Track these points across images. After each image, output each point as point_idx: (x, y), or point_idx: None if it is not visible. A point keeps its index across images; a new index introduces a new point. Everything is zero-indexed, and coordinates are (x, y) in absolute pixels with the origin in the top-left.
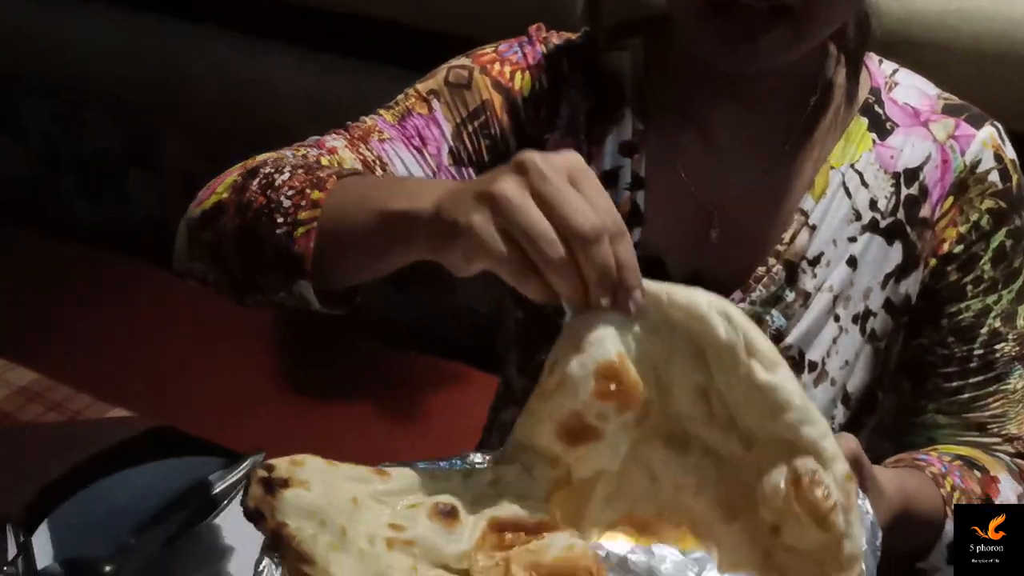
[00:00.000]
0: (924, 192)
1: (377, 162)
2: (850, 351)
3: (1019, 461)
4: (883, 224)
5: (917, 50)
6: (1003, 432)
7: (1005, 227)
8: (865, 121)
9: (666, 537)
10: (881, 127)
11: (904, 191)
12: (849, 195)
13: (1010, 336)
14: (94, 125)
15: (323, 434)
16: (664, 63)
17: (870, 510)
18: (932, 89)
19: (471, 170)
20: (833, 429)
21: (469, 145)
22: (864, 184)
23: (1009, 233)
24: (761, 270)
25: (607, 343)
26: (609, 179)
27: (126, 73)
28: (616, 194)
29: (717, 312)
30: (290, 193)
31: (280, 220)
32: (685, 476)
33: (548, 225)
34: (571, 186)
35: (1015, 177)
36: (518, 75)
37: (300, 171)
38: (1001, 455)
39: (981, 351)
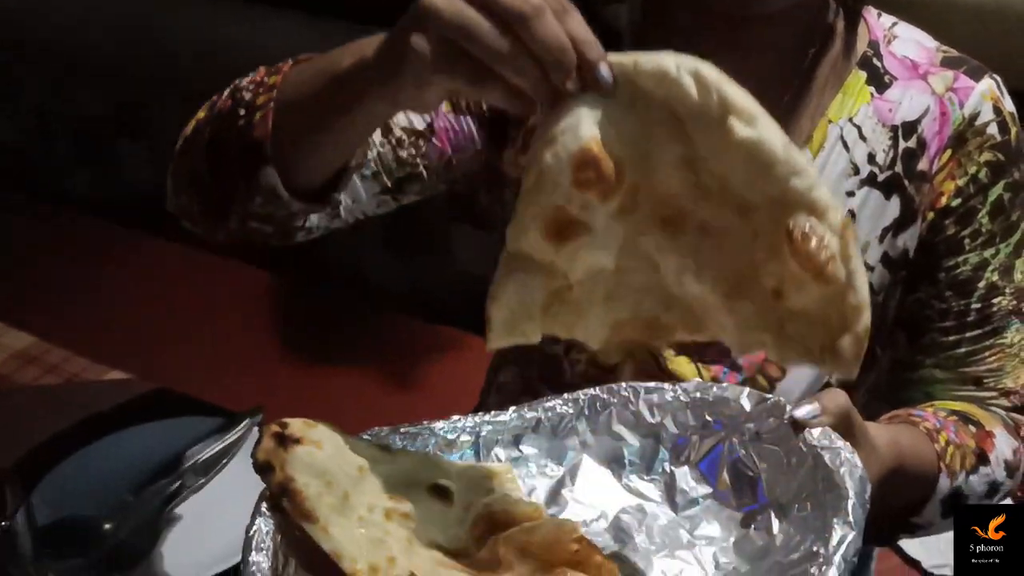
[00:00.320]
0: (922, 145)
1: None
2: None
3: (1015, 415)
4: (881, 178)
5: (916, 6)
6: (999, 386)
7: (1003, 180)
8: (863, 74)
9: (675, 330)
10: (879, 80)
11: (902, 144)
12: (847, 149)
13: (1007, 290)
14: (86, 93)
15: (321, 398)
16: (662, 15)
17: (859, 464)
18: (931, 42)
19: (469, 120)
20: (830, 384)
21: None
22: (862, 138)
23: (1007, 186)
24: None
25: (580, 129)
26: None
27: (119, 40)
28: None
29: (687, 73)
30: (251, 87)
31: (242, 113)
32: (684, 259)
33: (482, 17)
34: None
35: (1014, 130)
36: None
37: (263, 68)
38: (997, 410)
39: (978, 305)
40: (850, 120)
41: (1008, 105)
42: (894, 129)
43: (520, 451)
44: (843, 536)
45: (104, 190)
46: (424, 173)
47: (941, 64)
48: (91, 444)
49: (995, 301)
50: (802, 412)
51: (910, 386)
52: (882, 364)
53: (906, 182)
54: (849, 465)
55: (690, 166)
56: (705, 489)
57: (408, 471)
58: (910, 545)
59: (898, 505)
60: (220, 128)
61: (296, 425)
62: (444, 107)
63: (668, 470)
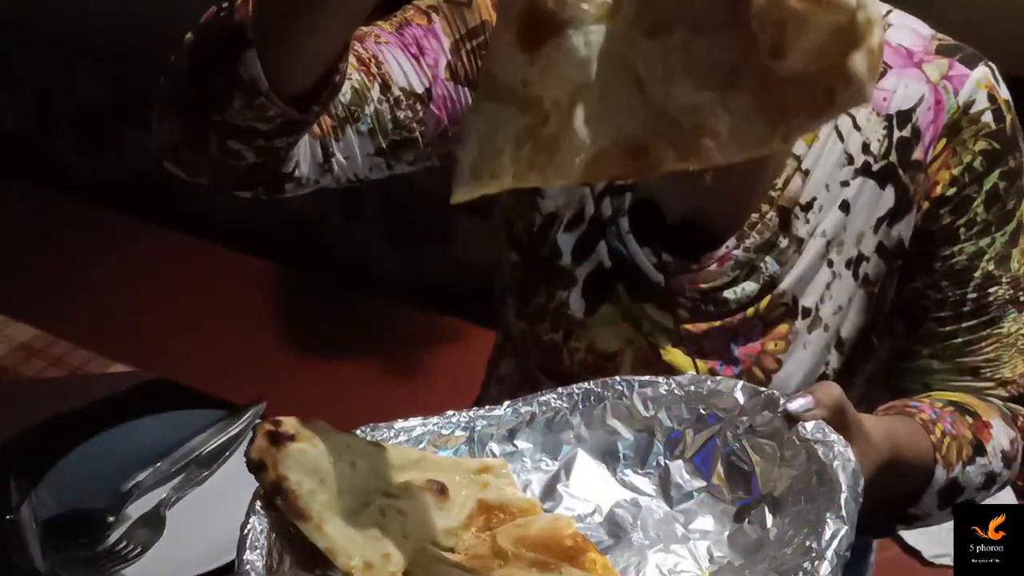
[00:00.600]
0: (917, 134)
1: (372, 60)
2: (843, 296)
3: (1012, 406)
4: (875, 167)
5: None
6: (996, 376)
7: (998, 168)
8: None
9: (662, 160)
10: None
11: (897, 133)
12: (841, 139)
13: (1004, 279)
14: (88, 79)
15: (322, 389)
16: None
17: (852, 457)
18: (926, 30)
19: (467, 90)
20: (827, 375)
21: (466, 62)
22: (856, 127)
23: (1002, 175)
24: (755, 216)
25: None
26: None
27: (121, 26)
28: None
29: None
30: None
31: (225, 5)
32: (671, 58)
33: None
34: None
35: (1009, 118)
36: None
37: None
38: (994, 400)
39: (975, 294)
40: None
41: (1003, 93)
42: (888, 118)
43: (514, 446)
44: (836, 530)
45: (106, 176)
46: (420, 140)
47: (936, 52)
48: (94, 437)
49: (991, 291)
50: (796, 405)
51: (907, 376)
52: (880, 353)
53: (901, 171)
54: (842, 459)
55: None
56: (699, 483)
57: (402, 466)
58: (910, 535)
59: (895, 497)
60: (203, 29)
61: (289, 423)
62: (444, 74)
63: (662, 464)
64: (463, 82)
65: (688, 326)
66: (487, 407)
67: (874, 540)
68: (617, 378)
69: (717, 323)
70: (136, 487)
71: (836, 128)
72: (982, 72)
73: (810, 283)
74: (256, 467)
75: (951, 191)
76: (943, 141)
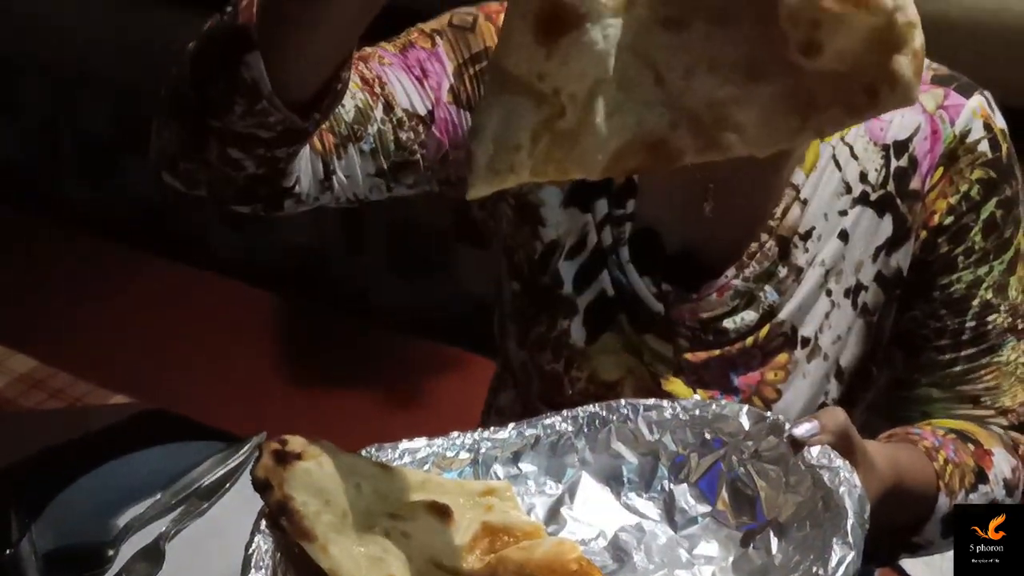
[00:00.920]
0: (914, 164)
1: (376, 80)
2: (842, 325)
3: (1013, 434)
4: (873, 197)
5: None
6: (997, 404)
7: (995, 197)
8: None
9: (683, 152)
10: None
11: (894, 163)
12: (839, 168)
13: (1002, 308)
14: (91, 109)
15: (323, 419)
16: None
17: (858, 483)
18: None
19: (469, 114)
20: (827, 405)
21: (469, 87)
22: (854, 157)
23: (999, 203)
24: (754, 246)
25: None
26: None
27: (123, 57)
28: None
29: None
30: None
31: (229, 10)
32: (691, 51)
33: None
34: None
35: (1005, 146)
36: None
37: None
38: (995, 428)
39: (973, 323)
40: (842, 139)
41: (999, 122)
42: (886, 148)
43: (519, 469)
44: (842, 556)
45: (108, 206)
46: (420, 162)
47: (931, 82)
48: (94, 470)
49: (990, 319)
50: (801, 430)
51: (907, 405)
52: (879, 383)
53: (898, 201)
54: (848, 485)
55: None
56: (704, 507)
57: (407, 488)
58: (912, 564)
59: (898, 524)
60: (206, 34)
61: (296, 442)
62: (446, 97)
63: (667, 488)
64: (465, 106)
65: (688, 356)
66: (492, 429)
67: (875, 568)
68: (622, 401)
69: (717, 353)
70: (135, 520)
71: (834, 157)
72: (978, 101)
73: (809, 312)
74: (262, 486)
75: (949, 220)
76: (940, 170)
